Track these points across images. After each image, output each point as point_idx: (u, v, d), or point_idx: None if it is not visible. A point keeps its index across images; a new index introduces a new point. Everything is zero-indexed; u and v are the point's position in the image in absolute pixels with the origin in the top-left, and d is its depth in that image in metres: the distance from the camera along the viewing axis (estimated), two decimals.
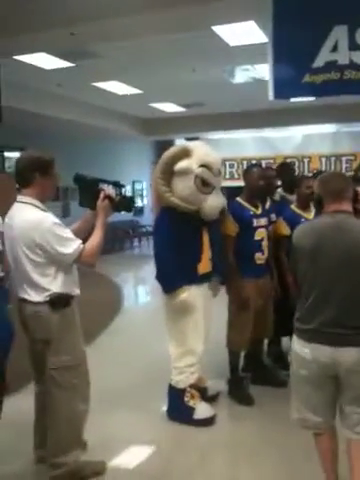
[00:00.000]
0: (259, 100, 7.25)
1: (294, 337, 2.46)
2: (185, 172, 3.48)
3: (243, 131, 11.20)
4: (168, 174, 3.52)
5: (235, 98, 10.07)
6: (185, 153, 3.52)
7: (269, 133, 10.92)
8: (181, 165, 3.48)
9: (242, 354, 4.17)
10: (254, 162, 9.13)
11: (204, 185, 3.52)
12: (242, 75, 8.79)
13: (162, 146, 12.73)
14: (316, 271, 2.35)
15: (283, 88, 4.53)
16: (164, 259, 3.57)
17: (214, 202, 3.58)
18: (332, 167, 9.23)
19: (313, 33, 4.34)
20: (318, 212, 2.61)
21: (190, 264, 3.58)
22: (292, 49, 4.44)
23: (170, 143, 12.53)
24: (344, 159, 9.26)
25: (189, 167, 3.47)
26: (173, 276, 3.54)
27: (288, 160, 8.83)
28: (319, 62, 4.35)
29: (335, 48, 4.30)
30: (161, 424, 3.66)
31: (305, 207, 4.11)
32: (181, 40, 6.66)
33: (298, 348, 2.42)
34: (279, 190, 4.74)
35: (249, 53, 7.30)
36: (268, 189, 4.26)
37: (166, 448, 3.37)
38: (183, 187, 3.50)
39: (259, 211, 4.00)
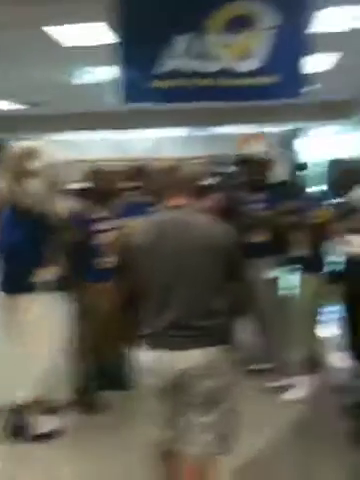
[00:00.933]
0: (107, 102, 7.19)
1: (140, 345, 2.31)
2: (37, 172, 3.39)
3: (91, 133, 11.00)
4: (19, 175, 3.40)
5: (80, 99, 9.87)
6: (33, 153, 3.43)
7: (119, 135, 10.90)
8: (33, 165, 3.39)
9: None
10: (102, 165, 9.05)
11: (53, 186, 3.47)
12: (86, 77, 8.66)
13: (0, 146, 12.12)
14: (155, 269, 2.21)
15: (132, 92, 4.52)
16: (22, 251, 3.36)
17: (63, 203, 3.56)
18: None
19: (159, 38, 4.39)
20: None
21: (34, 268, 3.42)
22: (139, 54, 4.45)
23: (7, 142, 11.90)
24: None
25: (40, 167, 3.40)
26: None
27: (139, 163, 8.88)
28: (166, 68, 4.41)
29: (181, 55, 4.40)
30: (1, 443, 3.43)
31: None
32: (18, 39, 6.35)
33: (141, 355, 2.27)
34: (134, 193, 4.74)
35: (92, 55, 7.18)
36: (114, 193, 4.25)
37: (7, 468, 3.16)
38: (35, 188, 3.40)
39: (103, 215, 3.97)
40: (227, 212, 4.25)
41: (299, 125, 10.13)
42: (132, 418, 2.50)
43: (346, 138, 13.76)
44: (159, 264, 2.20)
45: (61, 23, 5.55)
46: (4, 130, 11.37)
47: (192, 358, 2.15)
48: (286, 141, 8.97)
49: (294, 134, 9.16)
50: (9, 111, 10.98)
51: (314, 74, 4.49)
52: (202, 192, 4.15)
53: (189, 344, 2.16)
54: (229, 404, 2.25)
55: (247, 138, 9.03)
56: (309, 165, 11.47)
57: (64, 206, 3.56)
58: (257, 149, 8.54)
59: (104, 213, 3.96)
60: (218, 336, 2.20)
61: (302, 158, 10.68)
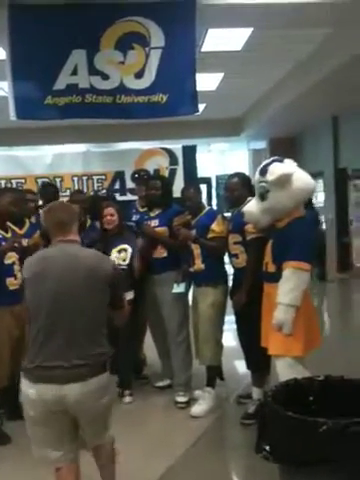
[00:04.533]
0: (6, 117, 6.99)
1: (21, 377, 2.37)
2: None
3: None
4: None
5: None
6: None
7: (18, 152, 10.64)
8: None
9: None
10: (3, 182, 8.78)
11: None
12: None
13: None
14: (41, 300, 2.32)
15: (25, 108, 4.43)
16: None
17: None
18: (85, 186, 9.38)
19: (52, 55, 4.35)
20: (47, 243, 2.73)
21: None
22: (32, 69, 4.38)
23: None
24: (95, 178, 9.48)
25: None
26: None
27: (40, 180, 8.64)
28: (60, 85, 4.37)
29: (75, 71, 4.37)
30: None
31: None
32: None
33: (24, 389, 2.34)
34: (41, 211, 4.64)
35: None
36: (23, 213, 4.12)
37: None
38: None
39: (9, 234, 3.84)
40: (120, 227, 4.25)
41: (193, 141, 10.43)
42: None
43: (235, 155, 14.46)
44: (46, 294, 2.30)
45: None
46: None
47: (75, 390, 2.25)
48: (186, 156, 9.14)
49: (194, 150, 9.36)
50: None
51: (203, 93, 4.63)
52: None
53: (70, 377, 2.25)
54: (109, 418, 2.48)
55: (146, 154, 9.14)
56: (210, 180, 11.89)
57: None
58: (156, 165, 8.68)
59: (9, 233, 3.87)
60: (99, 365, 2.32)
61: (201, 173, 10.94)
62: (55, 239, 2.47)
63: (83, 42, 4.35)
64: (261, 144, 12.96)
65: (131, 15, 4.34)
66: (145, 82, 4.37)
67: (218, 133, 11.84)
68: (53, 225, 2.49)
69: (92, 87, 4.38)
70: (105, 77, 4.39)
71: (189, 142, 10.22)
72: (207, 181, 14.42)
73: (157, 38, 4.33)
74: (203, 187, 13.36)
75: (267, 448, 2.27)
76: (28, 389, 2.30)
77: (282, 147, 11.47)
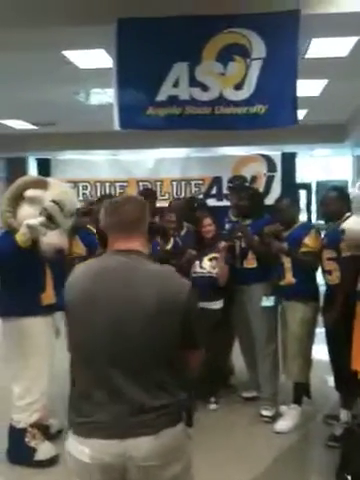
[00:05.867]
0: (111, 122, 7.31)
1: (68, 432, 1.81)
2: (34, 201, 3.40)
3: (96, 152, 11.20)
4: (17, 197, 3.44)
5: (88, 119, 10.04)
6: (42, 184, 3.47)
7: (122, 156, 11.06)
8: (33, 192, 3.41)
9: None
10: (108, 185, 9.16)
11: (50, 221, 3.37)
12: (95, 97, 8.82)
13: (13, 163, 12.31)
14: (89, 333, 1.74)
15: (128, 118, 4.61)
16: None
17: (52, 239, 3.41)
18: (183, 191, 9.55)
19: (156, 67, 4.47)
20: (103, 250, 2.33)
21: (32, 293, 3.47)
22: (136, 81, 4.54)
23: (22, 160, 12.09)
24: (193, 183, 9.66)
25: (40, 197, 3.40)
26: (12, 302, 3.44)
27: (141, 184, 8.95)
28: (162, 96, 4.49)
29: (176, 83, 4.48)
30: (1, 467, 3.44)
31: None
32: (28, 59, 6.47)
33: (73, 447, 1.76)
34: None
35: (101, 77, 7.31)
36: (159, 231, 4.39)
37: None
38: (27, 214, 3.38)
39: None
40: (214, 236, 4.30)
41: (293, 147, 10.24)
42: None
43: (339, 161, 13.96)
44: (97, 324, 1.73)
45: (80, 48, 5.69)
46: (19, 149, 11.61)
47: (142, 445, 1.70)
48: (285, 163, 9.02)
49: (293, 157, 9.23)
50: (21, 130, 11.20)
51: (305, 98, 4.54)
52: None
53: (136, 429, 1.70)
54: None
55: (244, 160, 9.12)
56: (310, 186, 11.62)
57: (52, 242, 3.40)
58: (253, 171, 8.65)
59: None
60: (171, 415, 1.75)
61: (301, 178, 10.74)
62: (112, 246, 1.83)
63: (185, 54, 4.43)
64: None
65: (234, 26, 4.36)
66: (244, 93, 4.37)
67: (320, 139, 11.52)
68: (113, 225, 1.84)
69: (192, 99, 4.46)
70: (205, 89, 4.44)
71: (289, 148, 10.08)
72: (307, 187, 14.06)
73: (259, 49, 4.31)
74: (302, 193, 13.07)
75: (349, 478, 2.22)
76: (78, 447, 1.73)
77: None
